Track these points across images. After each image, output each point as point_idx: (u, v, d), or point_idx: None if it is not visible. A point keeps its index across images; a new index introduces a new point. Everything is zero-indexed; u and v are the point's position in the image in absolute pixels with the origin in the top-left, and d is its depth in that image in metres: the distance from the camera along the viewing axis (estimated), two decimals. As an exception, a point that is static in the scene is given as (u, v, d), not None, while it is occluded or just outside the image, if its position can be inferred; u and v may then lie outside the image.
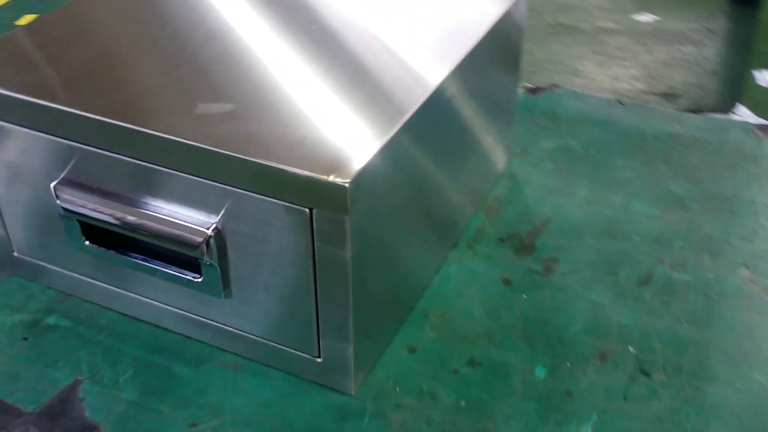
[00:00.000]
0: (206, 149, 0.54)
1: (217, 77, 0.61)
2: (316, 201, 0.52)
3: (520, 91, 0.99)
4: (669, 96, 1.03)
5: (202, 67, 0.62)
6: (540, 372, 0.63)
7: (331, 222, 0.53)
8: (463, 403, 0.61)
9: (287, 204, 0.54)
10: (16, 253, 0.70)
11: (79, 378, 0.62)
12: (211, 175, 0.55)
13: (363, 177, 0.52)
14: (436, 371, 0.63)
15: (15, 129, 0.61)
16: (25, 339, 0.66)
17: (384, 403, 0.61)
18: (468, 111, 0.70)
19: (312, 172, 0.51)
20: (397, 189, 0.59)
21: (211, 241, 0.57)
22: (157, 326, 0.67)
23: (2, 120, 0.61)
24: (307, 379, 0.62)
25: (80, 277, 0.68)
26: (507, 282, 0.72)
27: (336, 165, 0.52)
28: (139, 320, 0.67)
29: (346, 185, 0.51)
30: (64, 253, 0.67)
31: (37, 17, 0.68)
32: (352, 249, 0.54)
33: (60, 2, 1.17)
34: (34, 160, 0.62)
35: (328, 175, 0.51)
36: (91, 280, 0.68)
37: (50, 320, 0.67)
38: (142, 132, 0.56)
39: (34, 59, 0.63)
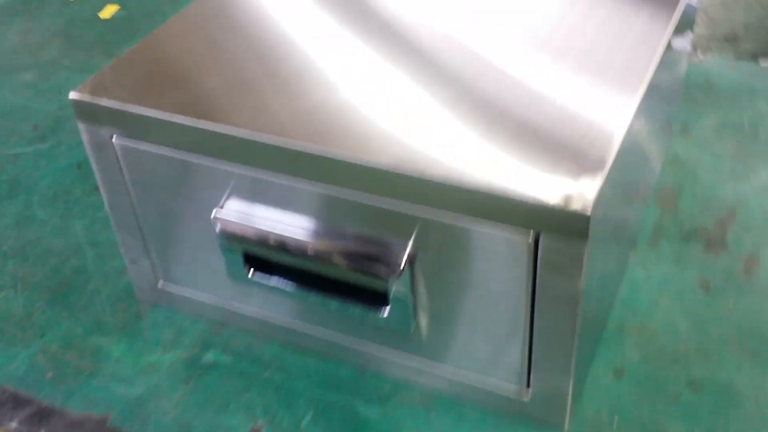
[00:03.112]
0: (408, 176, 0.47)
1: (386, 93, 0.53)
2: (545, 229, 0.45)
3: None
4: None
5: (366, 81, 0.55)
6: (773, 394, 0.56)
7: (564, 252, 0.45)
8: (695, 435, 0.54)
9: (504, 233, 0.46)
10: (161, 284, 0.64)
11: (258, 424, 0.56)
12: (407, 199, 0.48)
13: (599, 202, 0.44)
14: (653, 398, 0.56)
15: (164, 153, 0.54)
16: (187, 381, 0.60)
17: (604, 439, 0.54)
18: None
19: (543, 198, 0.44)
20: (611, 206, 0.51)
21: (405, 272, 0.50)
22: (328, 358, 0.60)
23: (149, 142, 0.54)
24: (508, 416, 0.55)
25: (238, 306, 0.62)
26: (706, 287, 0.64)
27: (568, 189, 0.44)
28: (305, 352, 0.61)
29: (588, 214, 0.43)
30: (219, 280, 0.60)
31: (156, 31, 0.61)
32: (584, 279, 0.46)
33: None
34: (188, 185, 0.55)
35: (565, 203, 0.43)
36: (251, 309, 0.61)
37: (209, 356, 0.61)
38: (329, 155, 0.48)
39: (172, 74, 0.55)
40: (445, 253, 0.49)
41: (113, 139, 0.55)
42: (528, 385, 0.53)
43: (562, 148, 0.47)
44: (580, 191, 0.44)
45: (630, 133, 0.49)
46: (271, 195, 0.52)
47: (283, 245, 0.53)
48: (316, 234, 0.52)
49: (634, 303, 0.63)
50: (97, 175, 0.58)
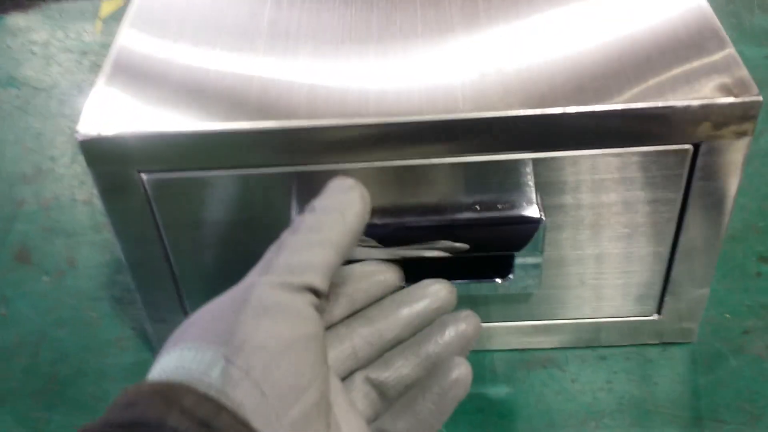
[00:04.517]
0: (544, 114, 0.42)
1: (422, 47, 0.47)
2: (708, 132, 0.42)
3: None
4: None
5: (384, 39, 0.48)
6: (834, 244, 0.59)
7: (726, 151, 0.43)
8: (800, 303, 0.56)
9: (657, 148, 0.43)
10: (195, 337, 0.53)
11: (398, 450, 0.49)
12: (527, 147, 0.43)
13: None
14: (740, 284, 0.57)
15: (210, 177, 0.44)
16: None
17: (730, 336, 0.54)
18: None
19: (708, 99, 0.41)
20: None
21: (541, 227, 0.46)
22: (423, 354, 0.54)
23: (189, 169, 0.44)
24: (630, 345, 0.54)
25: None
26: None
27: (722, 85, 0.42)
28: (392, 356, 0.54)
29: (761, 99, 0.41)
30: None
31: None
32: (736, 175, 0.45)
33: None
34: (241, 208, 0.46)
35: (737, 96, 0.41)
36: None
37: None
38: (430, 121, 0.42)
39: (171, 88, 0.45)
40: (580, 194, 0.45)
41: (142, 176, 0.44)
42: (659, 311, 0.52)
43: (686, 58, 0.44)
44: (736, 84, 0.42)
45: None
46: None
47: (387, 240, 0.46)
48: (422, 218, 0.46)
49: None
50: (116, 228, 0.46)
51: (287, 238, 0.35)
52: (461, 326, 0.41)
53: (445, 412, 0.39)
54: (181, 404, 0.29)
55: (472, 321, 0.41)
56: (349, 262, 0.44)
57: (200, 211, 0.45)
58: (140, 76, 0.45)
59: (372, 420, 0.40)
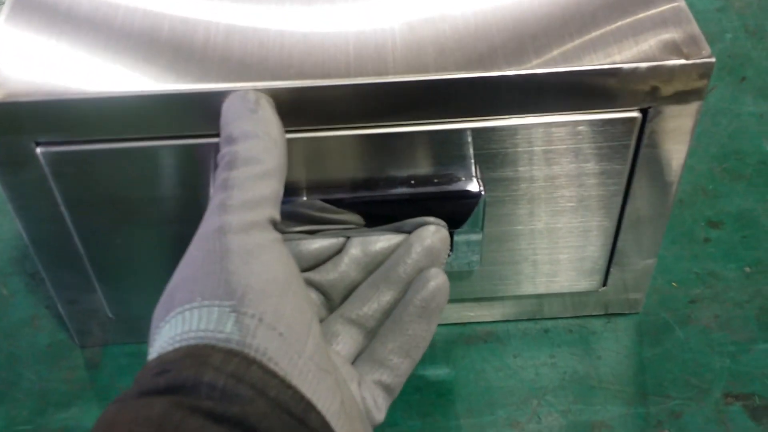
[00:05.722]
0: (481, 77, 0.38)
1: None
2: (657, 96, 0.39)
3: None
4: None
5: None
6: (784, 207, 0.57)
7: (676, 116, 0.40)
8: (747, 269, 0.54)
9: (603, 116, 0.40)
10: (113, 318, 0.49)
11: None
12: (469, 112, 0.40)
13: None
14: (688, 250, 0.55)
15: (114, 149, 0.40)
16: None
17: (677, 306, 0.52)
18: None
19: (660, 60, 0.38)
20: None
21: (481, 202, 0.42)
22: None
23: (91, 142, 0.39)
24: (575, 317, 0.51)
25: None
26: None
27: (672, 44, 0.39)
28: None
29: (714, 60, 0.38)
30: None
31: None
32: (685, 142, 0.42)
33: None
34: (152, 182, 0.41)
35: (687, 57, 0.38)
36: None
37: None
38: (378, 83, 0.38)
39: (72, 53, 0.40)
40: (522, 166, 0.42)
41: (38, 150, 0.39)
42: (605, 283, 0.49)
43: (634, 13, 0.41)
44: (687, 42, 0.39)
45: None
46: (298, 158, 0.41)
47: (312, 219, 0.42)
48: (352, 194, 0.42)
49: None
50: (13, 205, 0.42)
51: (228, 175, 0.33)
52: (427, 242, 0.40)
53: (432, 322, 0.38)
54: (211, 362, 0.28)
55: (439, 234, 0.40)
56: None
57: (106, 187, 0.41)
58: (42, 17, 0.40)
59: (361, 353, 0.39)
